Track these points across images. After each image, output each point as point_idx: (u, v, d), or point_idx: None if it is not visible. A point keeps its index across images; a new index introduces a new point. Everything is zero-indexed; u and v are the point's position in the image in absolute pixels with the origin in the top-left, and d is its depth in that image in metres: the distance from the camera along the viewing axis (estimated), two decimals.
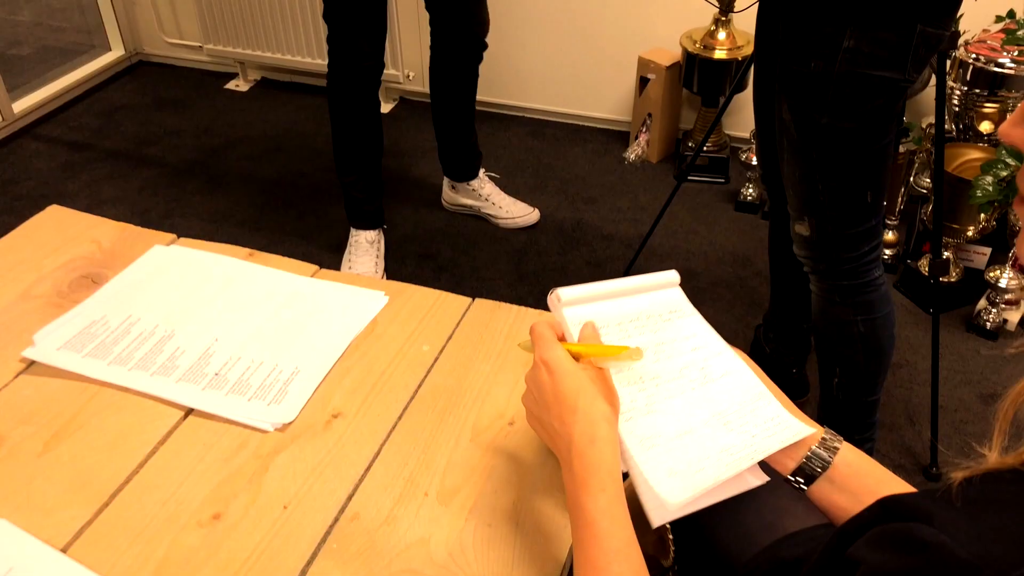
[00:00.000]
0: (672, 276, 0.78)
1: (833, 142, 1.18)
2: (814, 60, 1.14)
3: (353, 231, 2.10)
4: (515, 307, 0.95)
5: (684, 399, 0.69)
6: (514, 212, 2.26)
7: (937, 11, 1.11)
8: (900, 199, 2.08)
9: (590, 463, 0.61)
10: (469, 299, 0.97)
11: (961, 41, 1.91)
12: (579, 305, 0.72)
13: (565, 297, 0.71)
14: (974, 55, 1.87)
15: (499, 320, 0.94)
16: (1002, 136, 0.49)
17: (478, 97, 2.08)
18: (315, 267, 1.02)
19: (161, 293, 0.97)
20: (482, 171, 2.29)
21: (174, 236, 1.06)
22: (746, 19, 2.25)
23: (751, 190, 2.31)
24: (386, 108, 2.80)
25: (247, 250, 1.04)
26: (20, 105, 2.71)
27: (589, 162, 2.55)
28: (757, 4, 1.35)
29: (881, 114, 1.17)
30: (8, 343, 0.90)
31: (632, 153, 2.53)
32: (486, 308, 0.95)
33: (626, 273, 2.06)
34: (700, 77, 2.27)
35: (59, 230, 1.07)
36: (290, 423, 0.81)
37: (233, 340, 0.91)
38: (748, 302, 2.01)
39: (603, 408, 0.63)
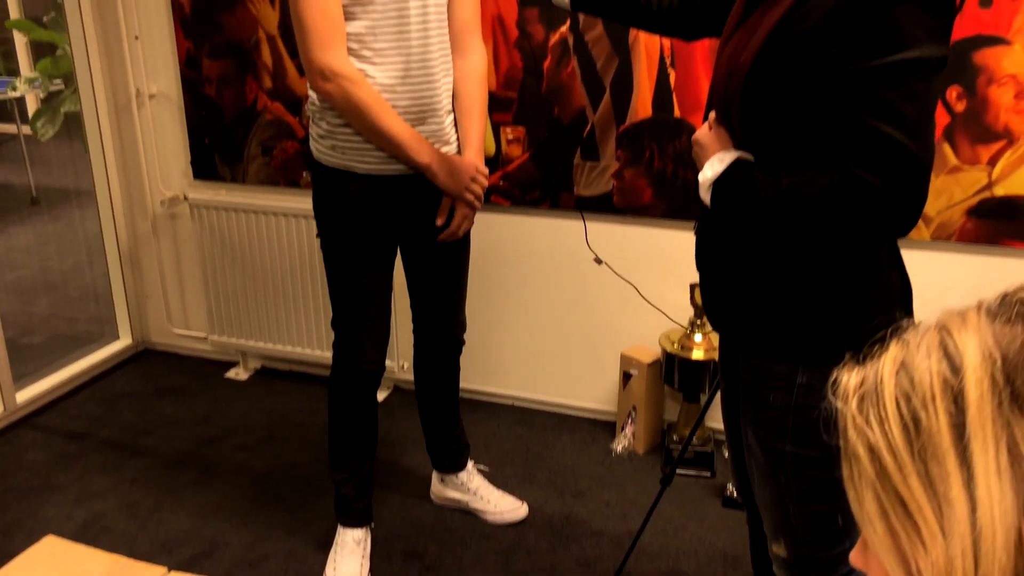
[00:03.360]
0: None
1: (799, 468, 1.24)
2: (772, 393, 1.24)
3: (340, 529, 2.10)
4: None
5: None
6: (502, 507, 2.27)
7: None
8: None
9: None
10: None
11: None
12: None
13: None
14: None
15: None
16: (852, 561, 0.55)
17: (470, 386, 2.19)
18: None
19: None
20: (470, 463, 2.33)
21: (164, 570, 1.08)
22: None
23: None
24: (380, 397, 2.90)
25: None
26: (24, 395, 2.80)
27: (577, 452, 2.60)
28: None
29: None
30: None
31: (619, 444, 2.59)
32: None
33: (617, 575, 2.03)
34: (680, 375, 2.39)
35: (52, 564, 1.09)
36: None
37: None
38: None
39: None
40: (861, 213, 1.07)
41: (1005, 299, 0.53)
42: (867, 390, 0.52)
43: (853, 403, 0.52)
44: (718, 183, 1.20)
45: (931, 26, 1.02)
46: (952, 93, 2.11)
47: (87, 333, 3.33)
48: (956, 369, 0.49)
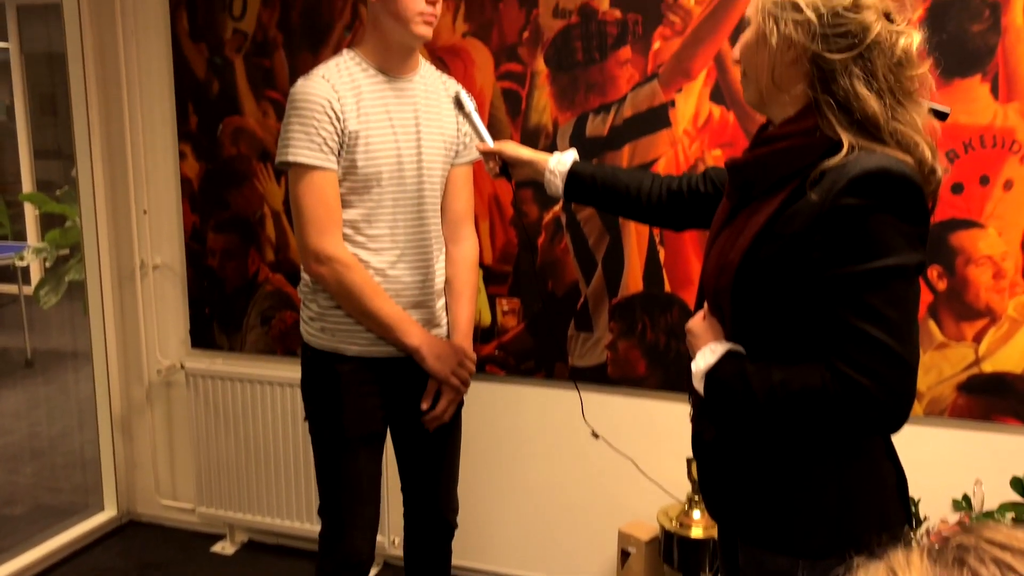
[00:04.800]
0: None
1: None
2: None
3: None
4: None
5: None
6: None
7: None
8: None
9: None
10: None
11: (922, 530, 2.02)
12: None
13: None
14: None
15: None
16: None
17: (462, 562, 2.13)
18: None
19: None
20: None
21: None
22: None
23: None
24: (371, 575, 2.79)
25: None
26: None
27: None
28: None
29: None
30: None
31: None
32: None
33: None
34: (679, 554, 2.32)
35: None
36: None
37: None
38: None
39: None
40: (851, 411, 1.09)
41: (947, 543, 0.57)
42: None
43: None
44: (711, 374, 1.22)
45: (908, 234, 1.08)
46: (933, 272, 2.19)
47: (71, 504, 3.25)
48: None
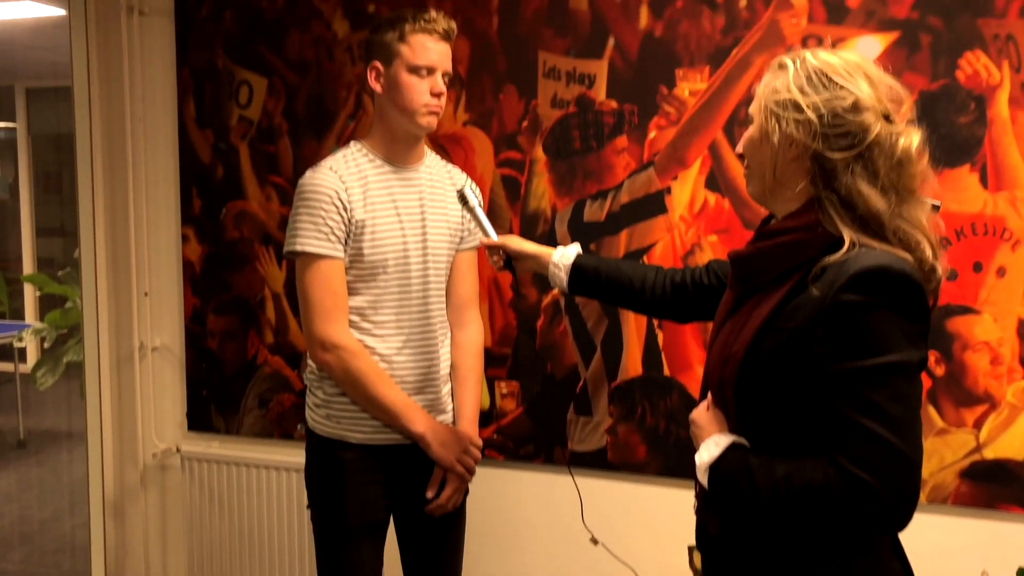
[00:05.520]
0: None
1: None
2: None
3: None
4: None
5: None
6: None
7: None
8: None
9: None
10: None
11: None
12: None
13: None
14: None
15: None
16: None
17: None
18: None
19: None
20: None
21: None
22: None
23: None
24: None
25: None
26: None
27: None
28: None
29: None
30: None
31: None
32: None
33: None
34: None
35: None
36: None
37: None
38: None
39: None
40: (854, 507, 1.09)
41: None
42: None
43: None
44: (714, 467, 1.22)
45: (909, 331, 1.10)
46: (931, 358, 2.19)
47: None
48: None
